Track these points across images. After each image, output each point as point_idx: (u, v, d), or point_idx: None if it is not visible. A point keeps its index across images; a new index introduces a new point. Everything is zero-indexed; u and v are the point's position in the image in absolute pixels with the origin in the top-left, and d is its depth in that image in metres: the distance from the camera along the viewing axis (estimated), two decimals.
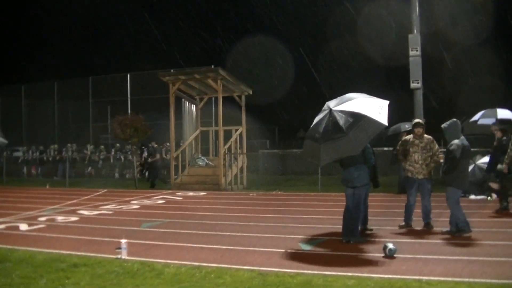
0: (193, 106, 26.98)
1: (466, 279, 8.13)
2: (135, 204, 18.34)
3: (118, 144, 32.95)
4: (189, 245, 11.19)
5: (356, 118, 10.42)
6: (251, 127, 30.06)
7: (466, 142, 11.58)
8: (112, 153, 33.71)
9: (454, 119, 11.78)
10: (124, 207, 17.72)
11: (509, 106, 20.28)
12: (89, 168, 33.97)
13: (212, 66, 23.68)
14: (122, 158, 32.95)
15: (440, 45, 46.28)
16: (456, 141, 11.42)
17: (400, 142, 13.01)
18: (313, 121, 11.16)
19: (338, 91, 11.97)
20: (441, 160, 12.32)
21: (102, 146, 35.34)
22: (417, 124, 12.71)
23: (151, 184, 25.72)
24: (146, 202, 19.09)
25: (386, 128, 11.83)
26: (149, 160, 27.57)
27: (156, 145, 28.17)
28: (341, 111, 10.56)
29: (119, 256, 9.84)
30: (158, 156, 26.66)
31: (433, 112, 21.95)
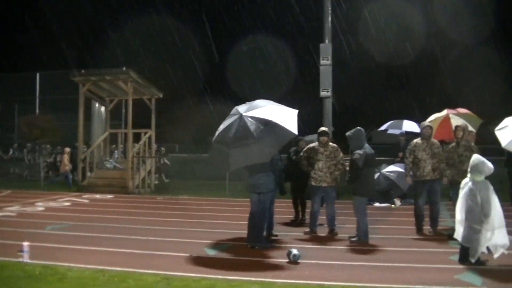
0: (102, 108, 26.66)
1: (367, 284, 8.43)
2: (40, 206, 17.96)
3: (29, 144, 32.08)
4: (94, 248, 11.07)
5: (267, 126, 10.56)
6: (161, 130, 29.86)
7: (370, 151, 11.86)
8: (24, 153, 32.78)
9: (359, 128, 12.04)
10: (29, 209, 17.32)
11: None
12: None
13: (124, 68, 23.44)
14: (31, 159, 32.09)
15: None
16: (359, 150, 11.69)
17: (304, 149, 13.24)
18: (220, 125, 11.27)
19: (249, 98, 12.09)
20: (347, 168, 12.64)
21: (15, 145, 34.32)
22: (323, 132, 12.96)
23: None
24: (52, 204, 18.73)
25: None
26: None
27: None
28: (252, 117, 10.68)
29: (21, 260, 9.65)
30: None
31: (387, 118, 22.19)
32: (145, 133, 24.90)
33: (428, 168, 12.69)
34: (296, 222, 14.55)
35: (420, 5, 45.40)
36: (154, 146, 28.65)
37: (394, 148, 20.42)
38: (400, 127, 20.55)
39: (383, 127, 21.54)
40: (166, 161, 29.68)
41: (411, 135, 19.73)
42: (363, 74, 52.07)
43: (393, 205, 18.37)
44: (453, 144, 12.83)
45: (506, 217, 9.81)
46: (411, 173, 12.93)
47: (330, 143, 13.01)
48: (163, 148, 30.25)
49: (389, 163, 19.17)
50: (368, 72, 52.06)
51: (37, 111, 33.01)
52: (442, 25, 47.49)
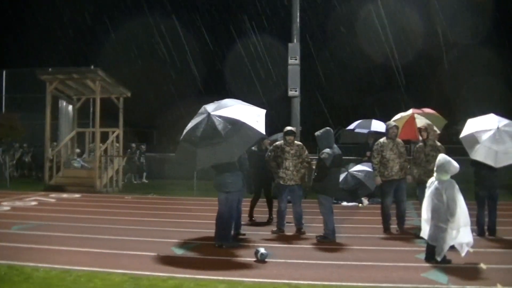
0: (70, 107, 26.46)
1: (334, 283, 8.47)
2: (6, 206, 17.76)
3: None
4: (61, 248, 10.98)
5: (235, 125, 10.59)
6: (129, 129, 29.74)
7: (337, 151, 11.96)
8: None
9: (327, 128, 12.13)
10: None
11: None
12: None
13: (92, 67, 23.28)
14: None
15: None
16: (327, 150, 11.76)
17: (270, 149, 13.27)
18: (188, 124, 11.26)
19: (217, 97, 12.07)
20: (313, 166, 12.71)
21: None
22: (289, 132, 13.02)
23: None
24: (18, 203, 18.54)
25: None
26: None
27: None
28: (220, 116, 10.70)
29: None
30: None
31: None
32: (113, 132, 24.75)
33: (396, 168, 12.79)
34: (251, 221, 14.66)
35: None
36: (133, 145, 28.67)
37: (362, 148, 20.54)
38: (368, 126, 20.68)
39: (351, 126, 21.65)
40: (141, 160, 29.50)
41: (379, 134, 19.90)
42: (334, 74, 52.26)
43: (360, 204, 18.50)
44: (420, 143, 12.94)
45: (471, 215, 9.95)
46: (379, 173, 12.98)
47: (296, 142, 13.08)
48: (143, 146, 30.09)
49: (357, 162, 19.31)
50: (339, 72, 52.26)
51: (3, 109, 32.67)
52: (415, 21, 47.82)
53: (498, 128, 12.17)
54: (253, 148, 14.14)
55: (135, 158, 29.02)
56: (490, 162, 12.08)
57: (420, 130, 13.08)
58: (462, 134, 12.44)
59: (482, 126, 12.35)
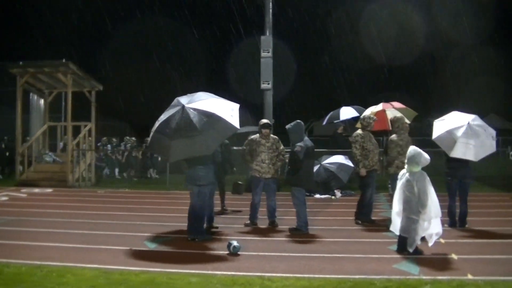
0: (41, 100, 26.22)
1: (307, 275, 8.50)
2: None
3: None
4: (33, 243, 10.91)
5: (210, 118, 10.61)
6: (102, 123, 29.50)
7: (309, 143, 12.01)
8: None
9: (298, 121, 12.18)
10: None
11: None
12: None
13: (63, 60, 23.05)
14: None
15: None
16: (300, 143, 11.82)
17: (246, 142, 13.27)
18: (161, 116, 11.23)
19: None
20: (286, 160, 12.75)
21: None
22: (265, 125, 13.03)
23: None
24: None
25: None
26: None
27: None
28: (195, 109, 10.70)
29: None
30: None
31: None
32: (85, 126, 24.58)
33: (376, 158, 12.90)
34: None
35: None
36: (104, 138, 28.40)
37: (335, 139, 20.69)
38: (338, 117, 20.77)
39: (325, 122, 21.73)
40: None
41: (350, 122, 20.06)
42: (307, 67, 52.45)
43: (333, 197, 18.56)
44: (393, 136, 13.02)
45: (442, 207, 10.06)
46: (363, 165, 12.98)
47: (271, 135, 13.08)
48: (133, 139, 29.69)
49: (331, 154, 19.43)
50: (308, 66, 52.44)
51: None
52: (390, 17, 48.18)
53: (469, 123, 12.32)
54: None
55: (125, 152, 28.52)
56: (470, 157, 12.27)
57: (392, 121, 13.18)
58: (434, 135, 12.52)
59: (453, 124, 12.48)
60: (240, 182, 14.19)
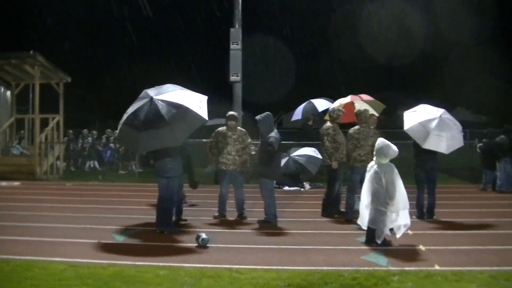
0: (8, 92, 25.95)
1: (275, 267, 8.52)
2: None
3: None
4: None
5: (179, 110, 10.61)
6: (70, 116, 29.20)
7: (279, 136, 12.05)
8: None
9: (268, 112, 12.22)
10: None
11: None
12: None
13: (31, 52, 22.78)
14: None
15: None
16: (273, 134, 11.84)
17: (213, 134, 13.22)
18: (129, 108, 11.19)
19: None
20: (253, 153, 12.77)
21: None
22: (231, 116, 13.02)
23: None
24: None
25: None
26: None
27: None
28: (163, 101, 10.69)
29: None
30: None
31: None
32: (53, 118, 24.35)
33: (344, 151, 12.90)
34: None
35: None
36: (70, 131, 28.12)
37: (306, 131, 20.75)
38: (315, 109, 20.80)
39: (300, 117, 21.69)
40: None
41: (319, 114, 20.11)
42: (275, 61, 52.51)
43: (302, 189, 18.62)
44: (352, 129, 12.95)
45: (410, 198, 10.15)
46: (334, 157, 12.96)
47: (239, 127, 13.08)
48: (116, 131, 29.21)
49: (300, 147, 19.47)
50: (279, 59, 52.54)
51: None
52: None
53: (441, 116, 12.47)
54: None
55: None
56: (442, 149, 12.45)
57: (355, 114, 13.18)
58: (406, 126, 12.58)
59: (425, 116, 12.61)
60: (196, 180, 14.24)
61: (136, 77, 46.72)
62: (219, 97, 25.85)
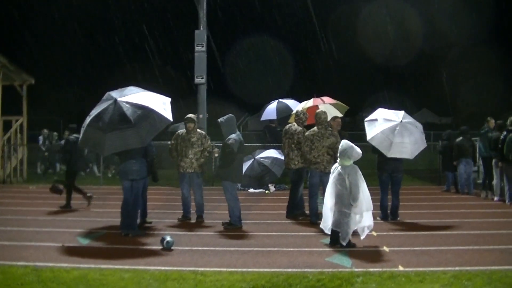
0: None
1: (240, 269, 8.55)
2: None
3: None
4: None
5: (144, 111, 10.66)
6: (34, 118, 28.85)
7: (241, 138, 12.09)
8: None
9: (231, 115, 12.26)
10: None
11: None
12: None
13: None
14: None
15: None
16: (233, 136, 11.85)
17: (173, 137, 13.18)
18: (92, 110, 11.14)
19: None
20: (216, 155, 12.81)
21: None
22: (189, 119, 12.99)
23: None
24: None
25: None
26: None
27: None
28: (127, 102, 10.73)
29: None
30: None
31: None
32: (17, 120, 24.04)
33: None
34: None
35: None
36: (45, 130, 27.75)
37: (272, 133, 20.83)
38: (289, 109, 20.77)
39: (272, 116, 21.67)
40: None
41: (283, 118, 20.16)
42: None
43: (267, 191, 18.66)
44: (308, 131, 12.89)
45: (373, 200, 10.24)
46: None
47: (198, 130, 13.07)
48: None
49: (264, 149, 19.52)
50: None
51: None
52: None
53: (401, 122, 12.57)
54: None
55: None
56: (406, 156, 12.58)
57: (314, 117, 13.05)
58: (369, 136, 12.66)
59: (385, 124, 12.69)
60: (59, 185, 14.41)
61: (101, 78, 46.49)
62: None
